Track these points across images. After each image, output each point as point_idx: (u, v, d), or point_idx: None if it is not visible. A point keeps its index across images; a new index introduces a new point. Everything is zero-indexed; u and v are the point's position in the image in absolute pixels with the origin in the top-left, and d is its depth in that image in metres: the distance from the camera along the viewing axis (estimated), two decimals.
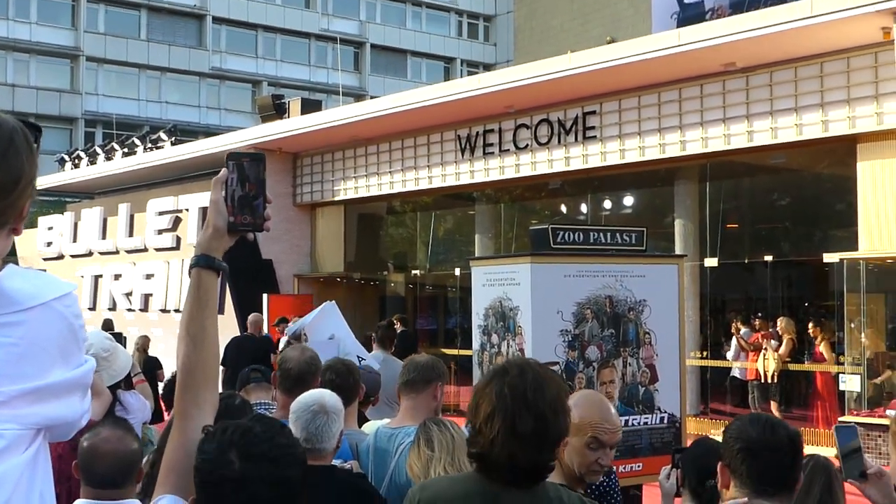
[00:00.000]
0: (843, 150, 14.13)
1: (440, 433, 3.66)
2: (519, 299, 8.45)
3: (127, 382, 5.54)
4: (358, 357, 8.42)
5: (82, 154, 28.62)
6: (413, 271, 23.10)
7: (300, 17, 55.67)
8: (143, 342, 14.59)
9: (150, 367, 13.41)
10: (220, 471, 2.01)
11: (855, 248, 13.68)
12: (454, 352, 19.47)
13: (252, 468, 2.09)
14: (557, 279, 8.42)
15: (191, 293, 2.39)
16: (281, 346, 13.97)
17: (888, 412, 12.83)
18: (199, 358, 2.34)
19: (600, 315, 8.56)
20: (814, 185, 17.10)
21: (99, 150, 27.92)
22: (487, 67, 58.93)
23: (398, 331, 16.98)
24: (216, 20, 53.35)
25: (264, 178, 2.42)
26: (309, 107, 22.40)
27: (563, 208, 20.14)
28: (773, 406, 15.37)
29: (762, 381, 15.53)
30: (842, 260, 13.89)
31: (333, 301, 9.19)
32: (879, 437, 12.54)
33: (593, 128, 16.71)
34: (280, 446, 2.15)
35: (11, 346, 1.86)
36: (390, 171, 20.32)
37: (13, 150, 1.95)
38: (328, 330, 8.59)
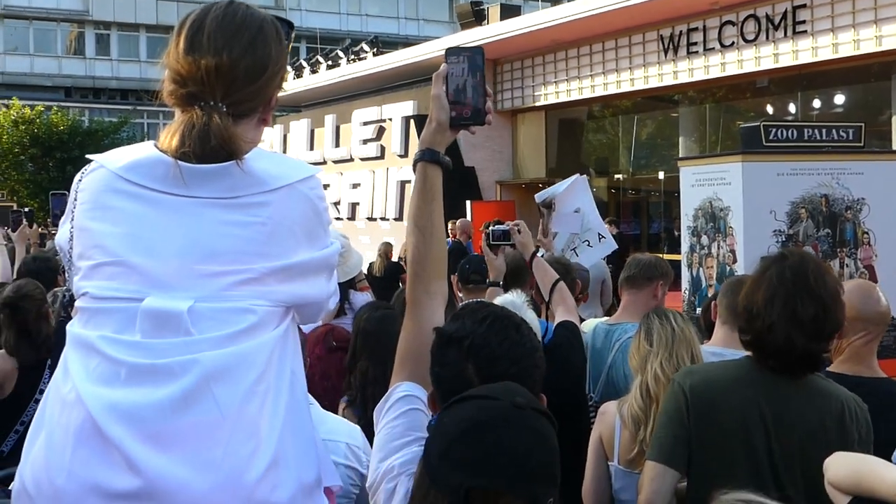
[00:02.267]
0: None
1: (660, 326, 3.60)
2: (730, 199, 8.27)
3: (351, 285, 5.71)
4: (599, 234, 8.41)
5: (289, 68, 29.37)
6: (615, 176, 22.88)
7: None
8: (386, 248, 14.97)
9: (394, 271, 13.77)
10: (459, 391, 1.98)
11: None
12: (659, 255, 19.30)
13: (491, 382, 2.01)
14: (770, 178, 8.18)
15: (416, 187, 2.43)
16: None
17: None
18: (428, 249, 2.39)
19: (816, 214, 8.30)
20: None
21: (304, 64, 28.60)
22: None
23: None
24: None
25: (484, 71, 2.42)
26: (508, 12, 22.25)
27: (770, 108, 19.47)
28: None
29: None
30: None
31: (585, 176, 9.08)
32: None
33: (804, 22, 16.00)
34: (517, 360, 2.09)
35: (260, 225, 1.94)
36: (591, 75, 20.06)
37: (262, 37, 2.05)
38: (575, 203, 8.53)
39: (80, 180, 2.05)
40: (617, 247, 9.30)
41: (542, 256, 4.86)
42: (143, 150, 2.01)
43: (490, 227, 4.75)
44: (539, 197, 8.27)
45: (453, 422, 1.78)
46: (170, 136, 1.98)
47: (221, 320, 1.89)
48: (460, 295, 5.19)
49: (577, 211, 8.38)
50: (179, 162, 1.93)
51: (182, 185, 1.92)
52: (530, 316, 3.45)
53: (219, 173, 1.93)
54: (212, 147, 1.93)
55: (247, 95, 2.04)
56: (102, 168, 2.00)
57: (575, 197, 8.57)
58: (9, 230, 9.04)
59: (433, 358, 2.15)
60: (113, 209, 1.95)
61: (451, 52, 2.41)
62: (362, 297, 5.30)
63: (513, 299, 3.59)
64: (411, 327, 2.36)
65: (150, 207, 1.93)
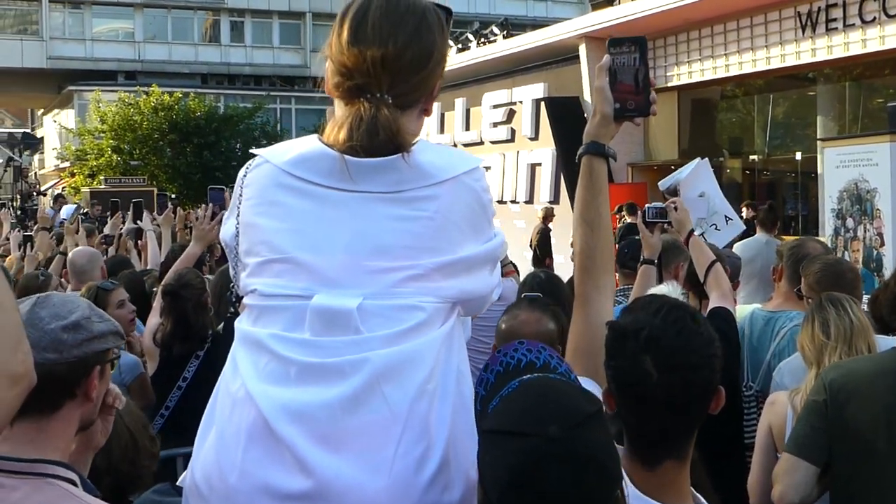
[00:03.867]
0: None
1: (838, 317, 3.47)
2: (877, 181, 8.08)
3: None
4: (726, 217, 8.32)
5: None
6: (750, 157, 22.44)
7: None
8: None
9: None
10: (637, 385, 1.97)
11: None
12: (795, 238, 18.90)
13: (670, 377, 1.98)
14: None
15: (582, 181, 2.42)
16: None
17: None
18: (596, 242, 2.36)
19: None
20: None
21: None
22: None
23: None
24: None
25: (647, 61, 2.42)
26: None
27: None
28: None
29: None
30: None
31: (707, 159, 8.98)
32: None
33: None
34: (696, 350, 2.02)
35: (427, 219, 1.93)
36: (725, 54, 19.70)
37: (426, 25, 2.04)
38: (699, 187, 8.45)
39: (244, 175, 2.04)
40: (745, 228, 9.15)
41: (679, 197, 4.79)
42: (308, 144, 2.01)
43: (647, 206, 4.75)
44: (663, 184, 8.22)
45: (492, 473, 1.66)
46: (336, 128, 1.98)
47: (390, 318, 1.88)
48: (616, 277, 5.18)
49: (702, 195, 8.30)
50: (346, 156, 1.93)
51: (348, 180, 1.93)
52: None
53: (385, 167, 1.93)
54: (380, 140, 1.93)
55: (412, 86, 2.03)
56: (267, 163, 2.00)
57: (699, 181, 8.49)
58: (155, 214, 9.36)
59: (608, 353, 2.08)
60: (279, 205, 1.95)
61: (614, 42, 2.42)
62: (509, 284, 5.37)
63: (668, 290, 3.57)
64: (581, 323, 2.33)
65: (316, 203, 1.94)
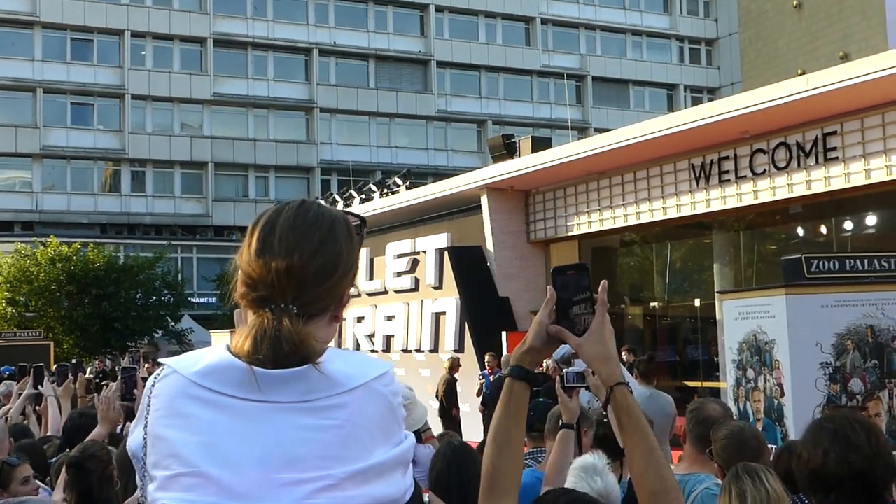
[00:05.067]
0: None
1: (754, 488, 3.47)
2: (775, 332, 8.25)
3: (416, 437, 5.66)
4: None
5: (323, 203, 29.80)
6: (650, 303, 22.84)
7: (521, 55, 56.35)
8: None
9: None
10: None
11: None
12: (697, 384, 19.12)
13: None
14: (815, 310, 8.18)
15: (501, 401, 2.44)
16: None
17: None
18: (501, 464, 2.38)
19: (862, 346, 8.26)
20: None
21: (338, 198, 29.02)
22: (711, 91, 58.00)
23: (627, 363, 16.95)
24: (440, 64, 54.70)
25: (590, 287, 2.45)
26: (539, 144, 22.60)
27: (801, 231, 19.49)
28: None
29: None
30: None
31: None
32: None
33: (835, 149, 16.13)
34: None
35: (338, 428, 1.91)
36: (623, 204, 20.21)
37: (332, 236, 2.06)
38: None
39: (153, 385, 2.02)
40: (637, 388, 9.19)
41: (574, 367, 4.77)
42: (216, 355, 1.99)
43: (564, 370, 4.73)
44: (556, 354, 8.22)
45: None
46: (243, 339, 1.97)
47: None
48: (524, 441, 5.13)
49: None
50: (254, 367, 1.92)
51: (257, 391, 1.91)
52: (610, 479, 3.40)
53: (294, 377, 1.92)
54: (284, 352, 1.92)
55: (318, 296, 2.03)
56: (176, 373, 1.98)
57: None
58: (54, 384, 9.03)
59: None
60: (189, 416, 1.93)
61: (557, 271, 2.46)
62: (426, 451, 5.26)
63: (594, 462, 3.53)
64: None
65: (226, 415, 1.91)
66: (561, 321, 2.41)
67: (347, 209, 2.18)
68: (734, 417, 8.93)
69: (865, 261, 8.75)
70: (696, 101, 53.37)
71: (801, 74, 16.89)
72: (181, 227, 50.66)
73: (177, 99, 50.48)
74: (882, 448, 2.66)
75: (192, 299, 46.04)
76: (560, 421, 4.66)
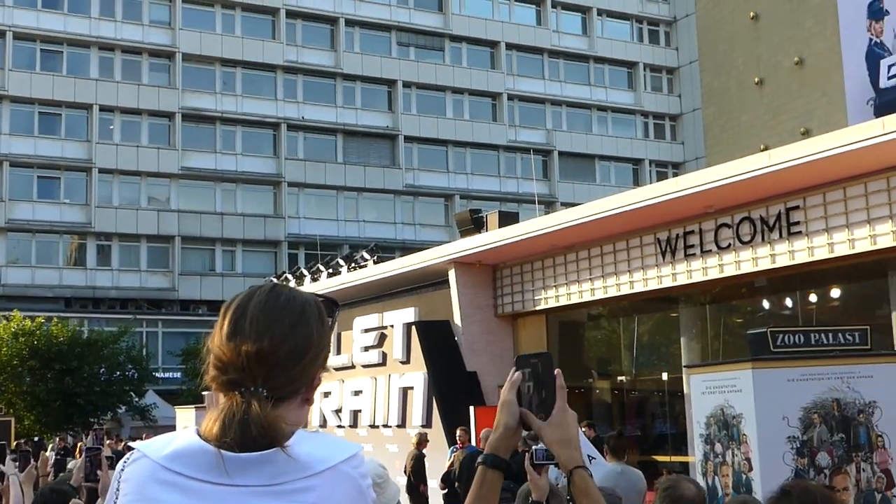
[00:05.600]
0: None
1: None
2: (742, 406, 8.26)
3: None
4: (589, 456, 8.33)
5: (290, 276, 29.78)
6: (618, 377, 22.85)
7: (488, 130, 56.92)
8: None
9: None
10: None
11: None
12: (665, 458, 19.05)
13: None
14: (781, 384, 8.21)
15: (474, 487, 2.48)
16: None
17: None
18: None
19: (828, 419, 8.27)
20: None
21: (305, 272, 28.99)
22: (676, 166, 58.73)
23: (590, 437, 16.91)
24: (408, 139, 55.14)
25: (554, 376, 2.50)
26: (506, 219, 22.73)
27: (768, 305, 19.62)
28: None
29: None
30: None
31: None
32: None
33: (798, 223, 16.32)
34: None
35: None
36: (590, 278, 20.30)
37: (303, 320, 2.08)
38: None
39: (122, 469, 2.03)
40: (609, 465, 9.17)
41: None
42: (185, 439, 2.01)
43: (533, 447, 4.70)
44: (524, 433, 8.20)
45: None
46: (211, 423, 1.99)
47: None
48: None
49: None
50: (222, 451, 1.93)
51: (225, 475, 1.92)
52: None
53: (262, 461, 1.93)
54: (252, 436, 1.93)
55: (288, 379, 2.05)
56: (145, 458, 1.99)
57: None
58: (16, 467, 8.85)
59: None
60: (156, 501, 1.93)
61: (522, 359, 2.53)
62: None
63: None
64: None
65: (193, 499, 1.92)
66: (523, 406, 2.47)
67: (321, 293, 2.18)
68: (706, 495, 8.92)
69: (830, 334, 8.81)
70: (662, 176, 53.97)
71: (764, 150, 17.14)
72: (147, 300, 50.36)
73: (144, 173, 50.49)
74: None
75: (157, 374, 45.60)
76: (529, 498, 4.62)
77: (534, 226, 20.37)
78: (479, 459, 2.48)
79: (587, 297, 20.56)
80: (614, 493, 6.05)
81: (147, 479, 1.96)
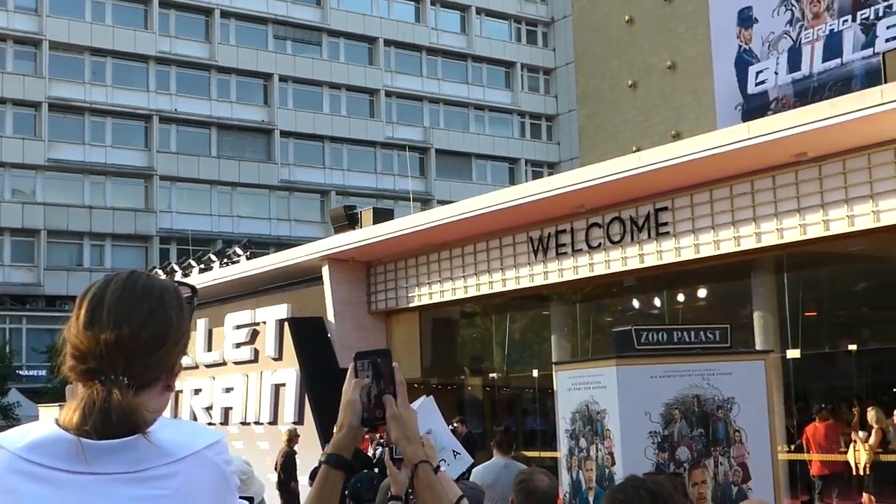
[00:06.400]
0: None
1: None
2: (606, 402, 8.40)
3: None
4: (454, 451, 8.38)
5: (160, 272, 29.19)
6: (490, 374, 23.03)
7: (365, 126, 56.76)
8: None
9: None
10: None
11: None
12: (535, 453, 19.27)
13: None
14: (644, 380, 8.37)
15: (316, 486, 2.50)
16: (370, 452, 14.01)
17: None
18: None
19: (689, 415, 8.47)
20: (894, 271, 16.86)
21: (176, 267, 28.46)
22: (552, 166, 59.48)
23: (462, 433, 17.03)
24: (283, 134, 54.62)
25: (392, 373, 2.56)
26: (381, 216, 22.68)
27: (637, 304, 20.04)
28: (867, 498, 15.03)
29: (854, 472, 15.26)
30: None
31: (431, 396, 9.17)
32: None
33: (666, 224, 16.68)
34: None
35: (167, 498, 1.91)
36: (464, 276, 20.41)
37: (161, 306, 2.07)
38: (426, 425, 8.55)
39: None
40: (472, 461, 9.29)
41: None
42: (43, 428, 1.97)
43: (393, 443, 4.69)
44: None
45: None
46: (71, 412, 1.96)
47: None
48: None
49: (429, 432, 8.44)
50: (81, 439, 1.90)
51: (84, 463, 1.89)
52: None
53: (123, 448, 1.91)
54: (113, 423, 1.91)
55: (148, 366, 2.03)
56: (3, 449, 1.95)
57: (425, 419, 8.65)
58: None
59: None
60: (15, 492, 1.90)
61: (361, 355, 2.56)
62: None
63: None
64: None
65: (52, 488, 1.90)
66: (372, 407, 2.51)
67: (179, 280, 2.17)
68: (567, 485, 9.05)
69: (692, 332, 9.00)
70: (537, 175, 54.60)
71: (636, 151, 17.46)
72: (10, 296, 48.81)
73: (8, 164, 48.90)
74: None
75: (21, 372, 44.28)
76: (389, 493, 4.63)
77: (408, 223, 20.40)
78: (322, 458, 2.49)
79: (460, 295, 20.67)
80: (477, 488, 6.09)
81: (5, 471, 1.92)
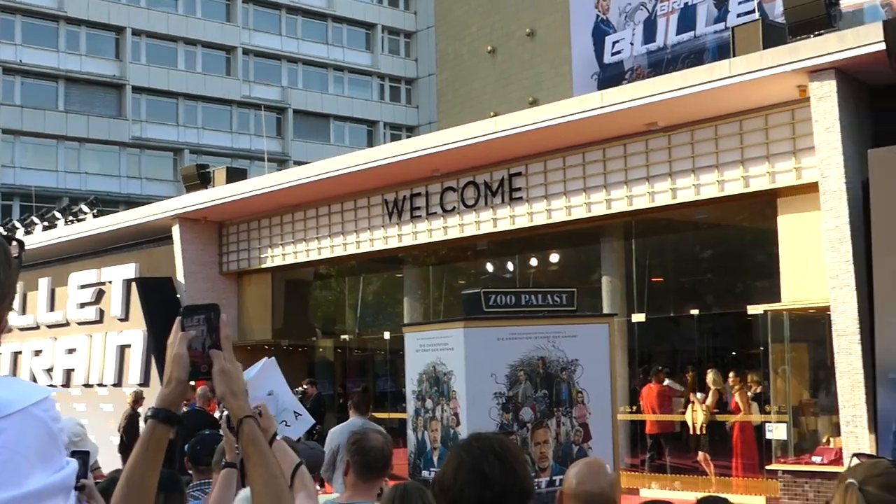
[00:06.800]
0: (764, 204, 14.40)
1: None
2: (453, 364, 8.44)
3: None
4: (295, 413, 8.35)
5: (0, 229, 28.11)
6: (342, 336, 22.95)
7: (221, 84, 55.62)
8: None
9: None
10: None
11: (777, 300, 13.89)
12: (385, 415, 19.29)
13: None
14: (490, 342, 8.44)
15: (141, 442, 2.44)
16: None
17: (814, 458, 13.05)
18: None
19: (533, 376, 8.58)
20: (736, 239, 17.39)
21: (18, 224, 27.45)
22: (410, 129, 59.43)
23: (312, 395, 17.00)
24: (136, 89, 53.04)
25: (220, 327, 2.52)
26: (234, 175, 22.24)
27: (490, 268, 20.21)
28: (702, 456, 15.57)
29: (692, 432, 15.77)
30: (765, 311, 14.13)
31: (273, 358, 9.08)
32: (806, 483, 12.75)
33: (519, 189, 16.83)
34: None
35: None
36: (317, 237, 20.25)
37: None
38: (267, 386, 8.51)
39: None
40: (315, 422, 9.28)
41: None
42: None
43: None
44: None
45: None
46: None
47: None
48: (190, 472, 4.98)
49: (270, 394, 8.40)
50: None
51: None
52: None
53: None
54: None
55: None
56: None
57: (267, 380, 8.62)
58: None
59: None
60: None
61: (189, 310, 2.52)
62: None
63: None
64: None
65: None
66: (198, 360, 2.47)
67: (4, 233, 2.06)
68: (413, 445, 9.08)
69: (540, 295, 9.12)
70: (396, 138, 54.36)
71: (493, 116, 17.53)
72: None
73: None
74: (515, 480, 2.75)
75: None
76: (224, 459, 4.57)
77: (262, 183, 20.09)
78: (149, 413, 2.45)
79: (314, 256, 20.51)
80: (317, 448, 6.05)
81: None
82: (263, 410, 4.55)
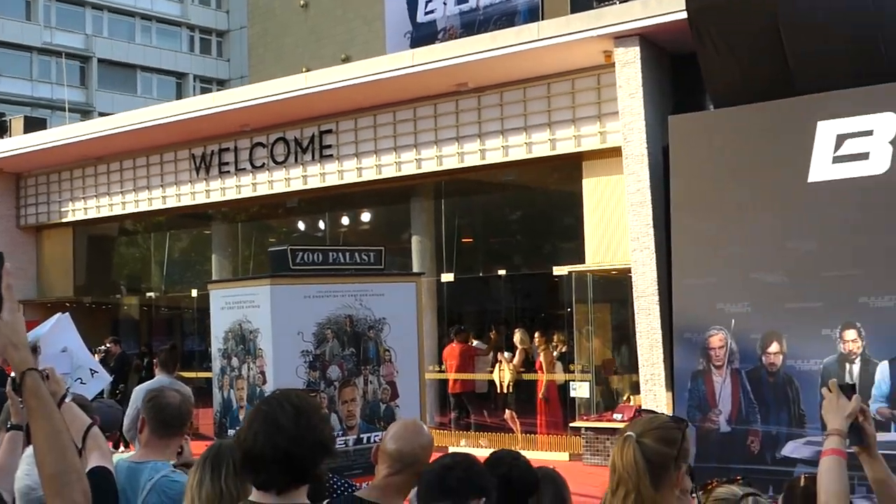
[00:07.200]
0: (570, 167, 14.76)
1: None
2: (259, 322, 8.38)
3: None
4: (91, 370, 8.16)
5: None
6: (147, 293, 22.42)
7: (20, 29, 53.04)
8: None
9: None
10: None
11: (582, 261, 14.32)
12: (192, 374, 18.98)
13: None
14: (297, 300, 8.40)
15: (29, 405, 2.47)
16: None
17: (615, 416, 13.58)
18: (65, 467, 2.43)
19: (341, 334, 8.61)
20: (543, 201, 17.78)
21: None
22: (221, 83, 58.15)
23: (115, 353, 16.63)
24: None
25: (1, 274, 2.50)
26: (33, 125, 21.38)
27: (301, 226, 20.07)
28: (509, 414, 15.93)
29: (499, 390, 16.10)
30: (570, 272, 14.54)
31: (67, 313, 8.83)
32: (607, 439, 13.25)
33: (330, 146, 16.75)
34: None
35: None
36: (122, 192, 19.67)
37: None
38: (61, 342, 8.31)
39: None
40: (111, 378, 9.11)
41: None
42: None
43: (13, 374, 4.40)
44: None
45: None
46: None
47: None
48: None
49: (64, 350, 8.23)
50: None
51: None
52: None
53: None
54: None
55: None
56: None
57: (60, 336, 8.46)
58: None
59: None
60: None
61: None
62: None
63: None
64: None
65: None
66: None
67: None
68: (219, 403, 8.98)
69: (348, 254, 9.12)
70: (206, 92, 53.04)
71: (305, 72, 17.34)
72: None
73: None
74: (309, 429, 2.74)
75: None
76: (10, 422, 4.38)
77: (62, 134, 19.38)
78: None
79: (118, 211, 19.94)
80: (114, 406, 5.94)
81: None
82: (51, 373, 4.40)
